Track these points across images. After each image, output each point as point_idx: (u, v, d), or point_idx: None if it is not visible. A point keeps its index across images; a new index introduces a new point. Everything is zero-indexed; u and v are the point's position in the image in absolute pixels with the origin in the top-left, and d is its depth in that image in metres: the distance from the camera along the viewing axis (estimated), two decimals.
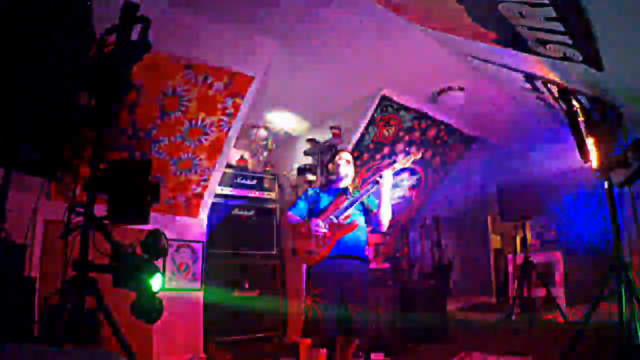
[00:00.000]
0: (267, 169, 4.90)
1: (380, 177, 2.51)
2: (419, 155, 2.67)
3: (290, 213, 2.69)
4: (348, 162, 2.71)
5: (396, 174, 2.63)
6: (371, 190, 2.55)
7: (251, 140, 4.82)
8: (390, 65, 3.54)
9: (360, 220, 2.59)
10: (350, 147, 4.29)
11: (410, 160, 2.62)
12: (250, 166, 4.96)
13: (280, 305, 4.47)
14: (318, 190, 2.74)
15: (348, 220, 2.52)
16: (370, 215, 2.64)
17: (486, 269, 7.07)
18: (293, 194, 4.75)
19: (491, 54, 2.87)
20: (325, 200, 2.65)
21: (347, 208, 2.54)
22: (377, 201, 2.58)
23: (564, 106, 2.59)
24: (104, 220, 2.04)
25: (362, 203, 2.61)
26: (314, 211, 2.63)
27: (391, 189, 2.55)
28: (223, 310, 4.04)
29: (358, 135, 4.32)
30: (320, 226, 2.48)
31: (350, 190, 2.69)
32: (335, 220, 2.51)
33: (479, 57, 3.12)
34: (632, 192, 2.33)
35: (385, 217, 2.57)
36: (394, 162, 2.65)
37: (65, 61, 1.51)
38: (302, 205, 2.70)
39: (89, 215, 1.95)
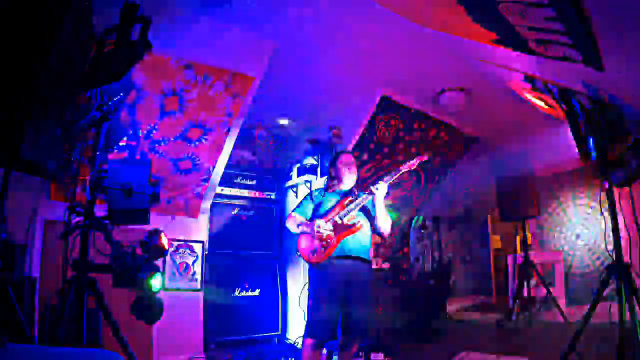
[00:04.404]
0: (267, 169, 4.90)
1: (376, 188, 2.52)
2: (425, 158, 2.69)
3: (294, 213, 2.69)
4: (349, 165, 2.71)
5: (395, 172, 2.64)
6: (366, 200, 2.57)
7: (251, 140, 4.82)
8: (390, 65, 3.54)
9: (364, 221, 2.59)
10: (350, 147, 4.29)
11: (417, 164, 2.64)
12: (250, 166, 4.96)
13: (280, 305, 4.47)
14: (323, 192, 2.75)
15: (352, 222, 2.53)
16: (372, 219, 2.65)
17: (486, 269, 7.08)
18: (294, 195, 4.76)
19: (491, 54, 2.87)
20: (329, 201, 2.66)
21: (351, 209, 2.55)
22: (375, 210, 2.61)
23: (564, 106, 2.59)
24: (104, 220, 2.04)
25: (364, 206, 2.62)
26: (319, 212, 2.63)
27: (384, 199, 2.57)
28: (223, 310, 4.04)
29: (358, 135, 4.32)
30: (324, 226, 2.48)
31: (355, 191, 2.70)
32: (339, 221, 2.52)
33: (479, 57, 3.12)
34: (632, 192, 2.33)
35: (384, 226, 2.60)
36: (400, 164, 2.66)
37: (65, 61, 1.51)
38: (306, 205, 2.71)
39: (89, 215, 1.96)
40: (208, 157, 3.78)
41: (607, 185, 2.37)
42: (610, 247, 2.31)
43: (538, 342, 3.66)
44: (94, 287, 1.92)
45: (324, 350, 3.07)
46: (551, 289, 4.50)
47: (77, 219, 1.95)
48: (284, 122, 4.66)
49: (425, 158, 2.70)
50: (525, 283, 4.38)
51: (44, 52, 1.39)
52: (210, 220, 4.24)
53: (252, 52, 3.26)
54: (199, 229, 4.07)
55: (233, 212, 4.49)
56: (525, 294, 4.37)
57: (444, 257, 6.06)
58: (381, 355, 3.50)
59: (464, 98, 4.02)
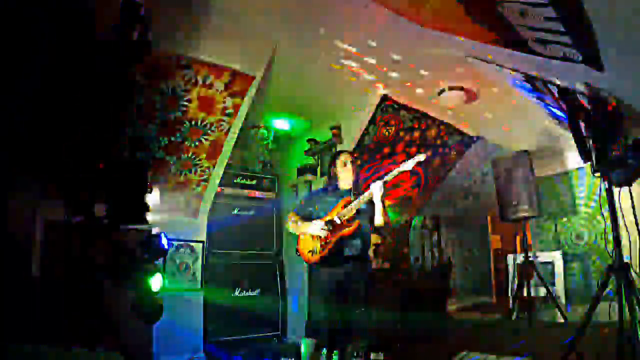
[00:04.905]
0: (267, 169, 4.90)
1: (375, 188, 2.53)
2: (423, 158, 2.68)
3: (293, 214, 2.69)
4: (348, 165, 2.71)
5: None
6: (365, 200, 2.57)
7: (251, 140, 4.82)
8: (391, 66, 3.55)
9: (364, 221, 2.59)
10: (350, 147, 4.29)
11: (415, 163, 2.63)
12: (250, 166, 4.96)
13: (280, 305, 4.47)
14: (322, 191, 2.75)
15: (351, 221, 2.53)
16: (372, 219, 2.66)
17: (486, 269, 7.09)
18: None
19: (491, 54, 2.87)
20: (329, 200, 2.66)
21: (350, 209, 2.55)
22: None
23: (564, 106, 2.59)
24: (104, 220, 2.04)
25: (364, 206, 2.62)
26: (318, 212, 2.63)
27: (382, 198, 2.57)
28: (223, 310, 4.04)
29: (358, 135, 4.32)
30: (324, 226, 2.48)
31: (354, 191, 2.70)
32: (338, 221, 2.52)
33: (479, 57, 3.12)
34: (631, 192, 2.33)
35: (383, 226, 2.60)
36: (400, 164, 2.65)
37: (65, 61, 1.52)
38: (306, 205, 2.71)
39: (89, 215, 1.95)
40: (208, 157, 3.78)
41: (607, 185, 2.37)
42: (610, 247, 2.31)
43: (538, 342, 3.66)
44: (94, 287, 1.92)
45: (324, 350, 3.07)
46: (551, 289, 4.50)
47: (77, 219, 1.95)
48: (283, 122, 4.65)
49: (425, 158, 2.69)
50: (525, 283, 4.38)
51: (46, 52, 1.39)
52: (210, 220, 4.23)
53: (252, 52, 3.26)
54: (199, 229, 4.07)
55: (233, 212, 4.49)
56: (525, 294, 4.37)
57: (444, 257, 6.06)
58: (381, 355, 3.50)
59: (464, 98, 4.02)
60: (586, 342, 2.30)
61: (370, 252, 2.68)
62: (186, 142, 3.59)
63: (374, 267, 4.73)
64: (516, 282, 4.56)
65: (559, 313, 4.30)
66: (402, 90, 4.08)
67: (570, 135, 2.49)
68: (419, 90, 4.06)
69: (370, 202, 2.62)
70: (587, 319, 2.28)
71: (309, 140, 4.60)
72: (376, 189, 2.54)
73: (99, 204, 2.04)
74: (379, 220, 2.60)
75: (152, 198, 2.19)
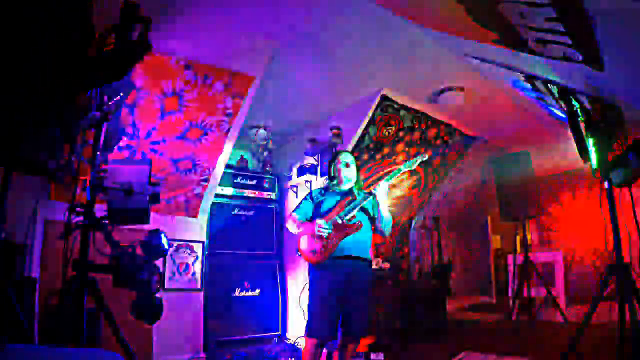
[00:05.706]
0: (267, 169, 4.90)
1: (376, 188, 2.53)
2: (426, 157, 2.68)
3: (294, 214, 2.69)
4: (349, 164, 2.71)
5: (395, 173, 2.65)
6: (366, 200, 2.56)
7: (251, 140, 4.82)
8: (390, 65, 3.54)
9: (364, 221, 2.59)
10: (350, 147, 4.29)
11: (417, 163, 2.63)
12: (250, 166, 4.96)
13: (280, 306, 4.47)
14: (323, 191, 2.75)
15: (352, 221, 2.53)
16: (373, 219, 2.65)
17: (486, 269, 7.09)
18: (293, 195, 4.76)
19: (491, 54, 2.87)
20: (329, 200, 2.65)
21: (351, 209, 2.55)
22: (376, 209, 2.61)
23: (564, 106, 2.59)
24: (104, 220, 2.04)
25: (364, 206, 2.62)
26: (319, 212, 2.63)
27: (386, 199, 2.57)
28: (223, 310, 4.04)
29: (358, 135, 4.32)
30: (325, 226, 2.48)
31: (355, 190, 2.70)
32: (339, 221, 2.52)
33: (479, 57, 3.12)
34: (631, 192, 2.33)
35: (385, 226, 2.60)
36: (400, 164, 2.65)
37: (65, 61, 1.51)
38: (306, 205, 2.70)
39: (89, 215, 1.95)
40: (208, 157, 3.78)
41: (607, 185, 2.37)
42: (611, 247, 2.31)
43: (538, 342, 3.66)
44: (94, 287, 1.92)
45: (324, 350, 3.07)
46: (551, 289, 4.50)
47: (77, 219, 1.95)
48: (283, 121, 4.64)
49: (425, 158, 2.69)
50: (525, 283, 4.38)
51: (44, 52, 1.39)
52: (210, 220, 4.23)
53: (252, 52, 3.25)
54: (199, 229, 4.07)
55: (233, 212, 4.49)
56: (525, 294, 4.37)
57: (444, 257, 6.06)
58: (381, 355, 3.50)
59: (464, 98, 4.02)
60: (586, 342, 2.30)
61: (371, 252, 2.67)
62: (186, 142, 3.59)
63: (374, 267, 4.72)
64: (516, 282, 4.56)
65: (559, 313, 4.30)
66: (402, 90, 4.08)
67: (570, 135, 2.49)
68: (419, 90, 4.07)
69: (372, 203, 2.62)
70: (587, 319, 2.28)
71: (309, 141, 4.59)
72: (380, 189, 2.54)
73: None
74: (380, 220, 2.60)
75: (153, 198, 2.19)
